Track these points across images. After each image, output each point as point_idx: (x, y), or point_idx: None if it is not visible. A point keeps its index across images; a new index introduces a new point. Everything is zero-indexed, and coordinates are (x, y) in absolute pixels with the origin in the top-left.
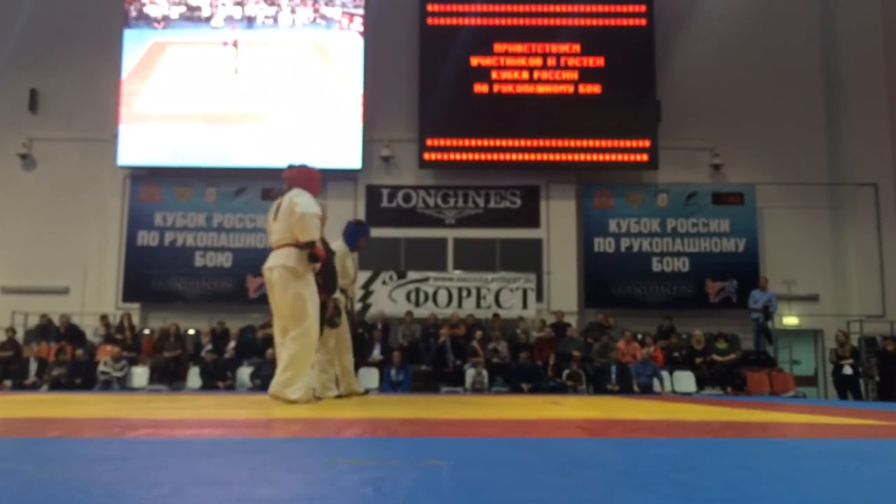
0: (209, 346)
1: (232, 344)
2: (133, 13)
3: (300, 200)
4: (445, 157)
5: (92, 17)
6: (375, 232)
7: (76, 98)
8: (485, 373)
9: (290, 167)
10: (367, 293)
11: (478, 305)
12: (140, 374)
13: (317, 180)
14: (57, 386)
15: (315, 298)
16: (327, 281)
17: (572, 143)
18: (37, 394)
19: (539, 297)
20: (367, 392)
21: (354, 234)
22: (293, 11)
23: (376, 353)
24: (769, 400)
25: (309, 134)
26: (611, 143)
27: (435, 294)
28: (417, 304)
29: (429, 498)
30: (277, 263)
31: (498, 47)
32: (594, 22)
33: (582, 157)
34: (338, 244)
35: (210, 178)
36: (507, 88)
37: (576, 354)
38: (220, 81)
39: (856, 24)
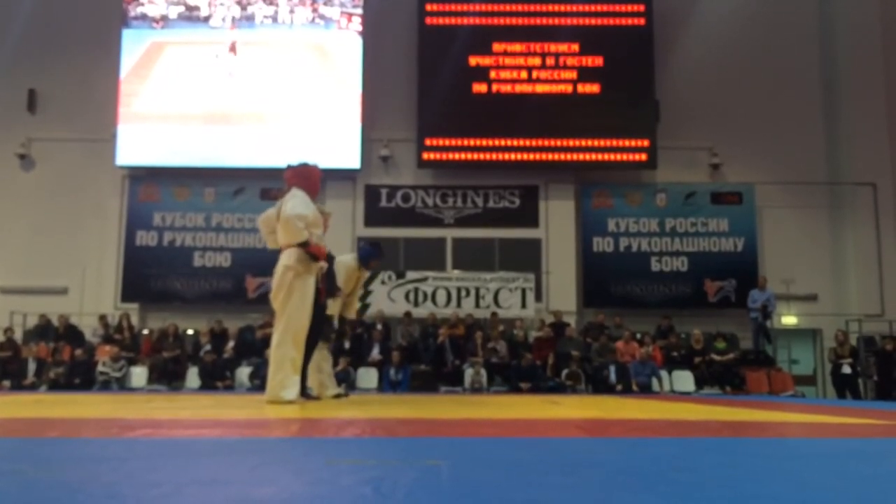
0: (208, 347)
1: (231, 344)
2: (131, 13)
3: (288, 204)
4: (444, 156)
5: (90, 17)
6: (374, 232)
7: (75, 98)
8: (483, 372)
9: (289, 167)
10: (366, 293)
11: (477, 305)
12: (139, 375)
13: (314, 179)
14: (56, 386)
15: (306, 298)
16: (327, 284)
17: (571, 143)
18: (35, 394)
19: (538, 297)
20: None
21: (369, 254)
22: (292, 11)
23: (375, 353)
24: (768, 399)
25: (307, 134)
26: (610, 142)
27: (434, 294)
28: (416, 304)
29: (428, 497)
30: (280, 264)
31: (497, 47)
32: (593, 21)
33: (581, 156)
34: (351, 257)
35: (209, 178)
36: (506, 88)
37: (575, 354)
38: (219, 81)
39: (854, 24)
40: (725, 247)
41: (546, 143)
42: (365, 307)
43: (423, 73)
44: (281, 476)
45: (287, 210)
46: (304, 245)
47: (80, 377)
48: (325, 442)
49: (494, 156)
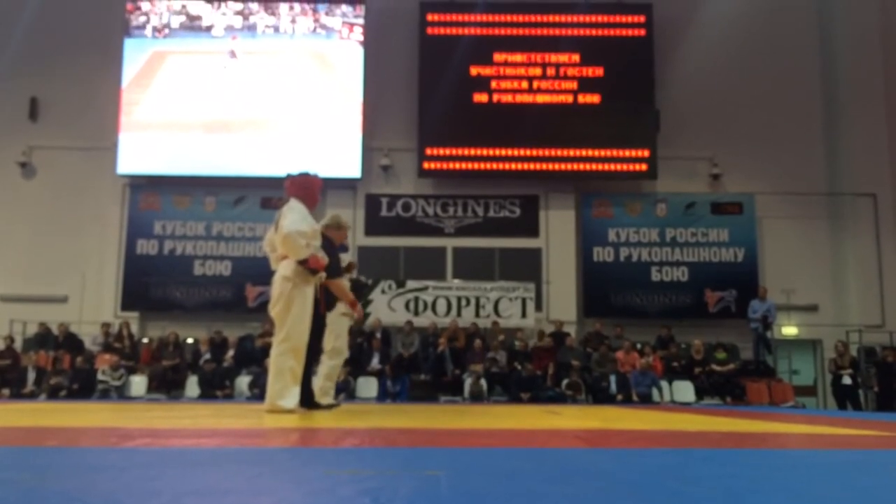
0: (208, 355)
1: (230, 353)
2: (133, 22)
3: (287, 219)
4: (445, 166)
5: (92, 25)
6: (375, 241)
7: (76, 106)
8: (483, 382)
9: (288, 177)
10: (367, 302)
11: (477, 314)
12: (138, 383)
13: (313, 189)
14: (55, 395)
15: (303, 309)
16: (327, 298)
17: (571, 153)
18: (35, 402)
19: (538, 307)
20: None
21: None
22: (293, 21)
23: (375, 363)
24: (768, 410)
25: (309, 143)
26: (610, 152)
27: (434, 303)
28: (416, 313)
29: None
30: (278, 274)
31: (497, 57)
32: (593, 32)
33: (581, 166)
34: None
35: (209, 186)
36: (507, 98)
37: (575, 364)
38: (220, 90)
39: (854, 35)
40: (726, 257)
41: (546, 152)
42: (365, 316)
43: (423, 83)
44: (280, 486)
45: (286, 226)
46: (303, 263)
47: (80, 385)
48: (324, 452)
49: (495, 165)
